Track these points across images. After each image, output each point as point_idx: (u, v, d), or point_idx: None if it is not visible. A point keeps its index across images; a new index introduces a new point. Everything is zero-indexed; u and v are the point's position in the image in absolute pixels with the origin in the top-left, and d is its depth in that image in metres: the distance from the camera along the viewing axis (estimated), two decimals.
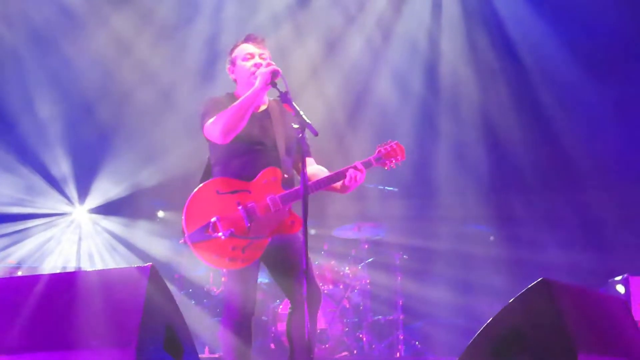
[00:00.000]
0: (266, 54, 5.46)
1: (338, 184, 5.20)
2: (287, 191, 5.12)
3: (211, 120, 5.19)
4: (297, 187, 5.17)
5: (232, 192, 5.09)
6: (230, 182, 5.14)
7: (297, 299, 5.14)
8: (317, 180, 5.16)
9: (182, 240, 5.04)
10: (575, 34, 10.03)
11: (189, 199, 5.10)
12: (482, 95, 10.93)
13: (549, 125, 10.50)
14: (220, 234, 4.98)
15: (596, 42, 9.95)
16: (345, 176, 5.14)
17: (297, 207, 4.92)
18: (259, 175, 5.15)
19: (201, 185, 5.17)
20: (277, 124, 5.38)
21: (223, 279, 5.93)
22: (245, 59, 5.39)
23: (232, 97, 5.46)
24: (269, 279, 9.24)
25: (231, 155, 5.26)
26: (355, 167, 5.15)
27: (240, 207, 5.04)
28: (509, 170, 10.96)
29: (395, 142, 5.40)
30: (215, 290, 9.59)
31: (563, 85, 10.33)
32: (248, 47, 5.44)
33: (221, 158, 5.31)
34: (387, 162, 5.35)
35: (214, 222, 4.99)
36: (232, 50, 5.54)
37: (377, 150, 5.36)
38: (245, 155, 5.21)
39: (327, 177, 5.18)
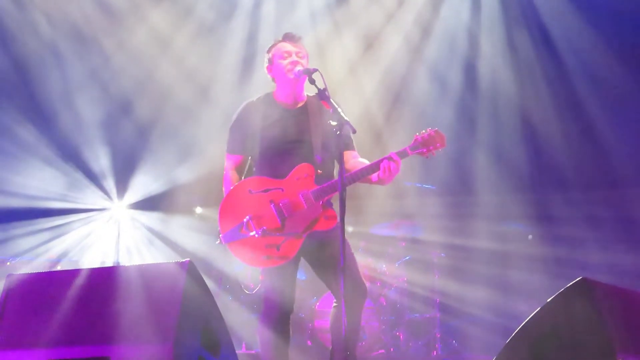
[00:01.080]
0: (303, 52, 5.48)
1: (374, 176, 5.13)
2: (320, 186, 5.13)
3: (225, 164, 5.52)
4: (329, 181, 5.18)
5: (265, 191, 5.14)
6: (263, 181, 5.19)
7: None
8: (351, 173, 5.12)
9: (219, 242, 5.11)
10: (617, 32, 9.90)
11: (222, 200, 5.18)
12: (521, 93, 10.81)
13: (590, 124, 10.37)
14: (253, 232, 5.03)
15: (638, 41, 9.84)
16: (379, 168, 5.08)
17: (335, 203, 4.92)
18: (291, 172, 5.18)
19: (234, 185, 5.22)
20: (313, 120, 5.38)
21: (260, 277, 5.94)
22: (282, 57, 5.42)
23: (270, 98, 5.50)
24: (306, 276, 9.25)
25: (267, 154, 5.32)
26: (389, 158, 5.08)
27: (272, 205, 5.06)
28: (548, 169, 10.83)
29: (435, 129, 5.23)
30: (252, 286, 9.57)
31: (604, 84, 10.19)
32: (285, 46, 5.47)
33: (259, 157, 5.37)
34: (424, 150, 5.18)
35: (247, 221, 5.05)
36: (270, 49, 5.58)
37: (414, 139, 5.22)
38: (279, 154, 5.27)
39: (360, 170, 5.14)
